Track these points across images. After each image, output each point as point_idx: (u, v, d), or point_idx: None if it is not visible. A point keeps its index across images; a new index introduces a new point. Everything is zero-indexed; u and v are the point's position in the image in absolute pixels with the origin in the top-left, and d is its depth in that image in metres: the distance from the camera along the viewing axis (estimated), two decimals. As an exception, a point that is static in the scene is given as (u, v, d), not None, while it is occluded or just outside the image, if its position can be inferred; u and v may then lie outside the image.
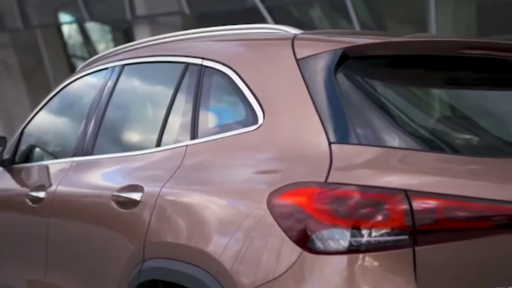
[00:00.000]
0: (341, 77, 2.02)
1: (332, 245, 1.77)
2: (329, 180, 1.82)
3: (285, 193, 1.86)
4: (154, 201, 2.23)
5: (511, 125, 2.29)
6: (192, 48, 2.54)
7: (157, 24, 10.81)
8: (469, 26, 9.86)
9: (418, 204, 1.77)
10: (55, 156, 3.23)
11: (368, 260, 1.76)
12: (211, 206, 2.08)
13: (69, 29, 13.03)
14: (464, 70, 2.25)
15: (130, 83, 2.84)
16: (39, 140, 3.36)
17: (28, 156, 3.27)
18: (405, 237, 1.75)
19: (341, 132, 1.91)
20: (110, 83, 2.83)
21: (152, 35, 10.42)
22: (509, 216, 1.84)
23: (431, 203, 1.79)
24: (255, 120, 2.10)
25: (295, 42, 2.16)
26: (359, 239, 1.76)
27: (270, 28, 2.41)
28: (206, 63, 2.38)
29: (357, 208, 1.78)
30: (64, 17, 13.11)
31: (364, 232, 1.77)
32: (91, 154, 2.76)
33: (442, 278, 1.77)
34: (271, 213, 1.87)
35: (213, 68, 2.34)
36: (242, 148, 2.11)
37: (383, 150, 1.91)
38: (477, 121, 2.26)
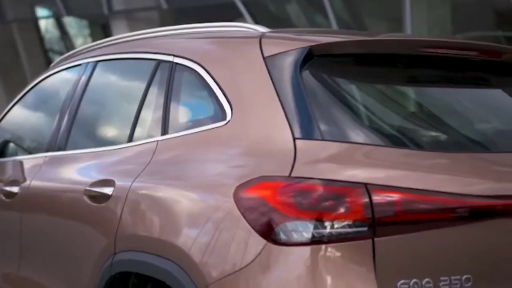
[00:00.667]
0: (306, 74, 2.09)
1: (296, 236, 1.84)
2: (293, 174, 1.88)
3: (251, 187, 1.93)
4: (125, 195, 2.28)
5: (472, 121, 2.38)
6: (164, 45, 2.59)
7: (134, 19, 10.80)
8: (444, 23, 10.00)
9: (378, 197, 1.84)
10: (29, 151, 3.26)
11: (330, 251, 1.83)
12: (180, 200, 2.14)
13: (46, 24, 12.96)
14: (427, 68, 2.33)
15: (103, 79, 2.88)
16: (13, 135, 3.39)
17: (2, 151, 3.30)
18: (365, 228, 1.82)
19: (306, 128, 1.98)
20: (83, 79, 2.87)
21: (130, 30, 10.42)
22: (466, 209, 1.92)
23: (390, 196, 1.86)
24: (223, 116, 2.16)
25: (263, 40, 2.22)
26: (321, 230, 1.83)
27: (239, 27, 2.47)
28: (177, 60, 2.43)
29: (320, 201, 1.85)
30: (40, 12, 13.03)
31: (326, 224, 1.83)
32: (64, 149, 2.80)
33: (400, 267, 1.84)
34: (238, 206, 1.93)
35: (183, 65, 2.40)
36: (210, 144, 2.17)
37: (346, 146, 1.98)
38: (440, 118, 2.33)
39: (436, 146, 2.14)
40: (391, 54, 2.25)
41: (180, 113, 2.40)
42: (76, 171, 2.68)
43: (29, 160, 3.03)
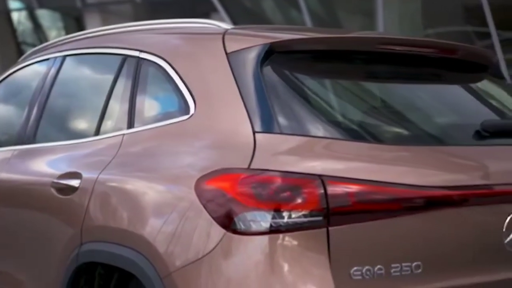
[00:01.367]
0: (267, 70, 2.16)
1: (254, 226, 1.92)
2: (252, 167, 1.96)
3: (212, 178, 2.00)
4: (92, 187, 2.34)
5: (430, 116, 2.46)
6: (130, 40, 2.65)
7: (108, 12, 10.78)
8: (415, 18, 10.14)
9: (332, 188, 1.92)
10: (-2, 144, 3.29)
11: (287, 240, 1.91)
12: (145, 192, 2.20)
13: (18, 16, 12.85)
14: (385, 64, 2.41)
15: (70, 74, 2.92)
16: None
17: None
18: (320, 218, 1.91)
19: (265, 122, 2.05)
20: (51, 74, 2.92)
21: (103, 23, 10.38)
22: (417, 199, 2.01)
23: (344, 188, 1.94)
24: (187, 110, 2.23)
25: (226, 36, 2.29)
26: (278, 220, 1.91)
27: (203, 23, 2.53)
28: (143, 55, 2.49)
29: (277, 192, 1.92)
30: (13, 4, 12.91)
31: (283, 214, 1.91)
32: (32, 142, 2.84)
33: (354, 254, 1.93)
34: (199, 197, 2.00)
35: (149, 60, 2.46)
36: (174, 137, 2.23)
37: (305, 139, 2.05)
38: (398, 113, 2.42)
39: (393, 140, 2.22)
40: (350, 51, 2.33)
41: (146, 107, 2.46)
42: (44, 164, 2.73)
43: (-3, 153, 3.06)
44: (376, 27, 9.53)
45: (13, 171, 2.84)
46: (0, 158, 3.00)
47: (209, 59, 2.28)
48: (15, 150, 2.90)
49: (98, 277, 2.37)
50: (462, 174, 2.14)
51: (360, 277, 1.92)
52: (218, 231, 1.95)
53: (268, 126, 2.04)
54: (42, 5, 11.62)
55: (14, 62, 3.57)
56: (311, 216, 1.91)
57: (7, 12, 12.73)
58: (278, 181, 1.93)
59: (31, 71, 3.16)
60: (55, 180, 2.51)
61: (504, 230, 2.13)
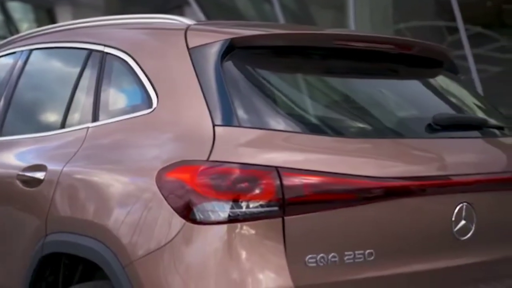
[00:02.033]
0: (228, 65, 2.22)
1: (213, 216, 1.98)
2: (211, 159, 2.02)
3: (172, 170, 2.06)
4: (56, 179, 2.39)
5: (386, 110, 2.54)
6: (95, 35, 2.69)
7: (79, 4, 10.72)
8: (386, 12, 10.26)
9: (288, 179, 2.00)
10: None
11: (244, 229, 1.98)
12: (108, 183, 2.25)
13: (-11, 8, 12.71)
14: (343, 60, 2.48)
15: (37, 68, 2.96)
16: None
17: None
18: (276, 208, 1.98)
19: (225, 115, 2.12)
20: (18, 67, 2.95)
21: (75, 15, 10.30)
22: (369, 189, 2.09)
23: (299, 179, 2.01)
24: (150, 104, 2.28)
25: (188, 32, 2.35)
26: (236, 210, 1.98)
27: (167, 18, 2.58)
28: (107, 50, 2.54)
29: (235, 183, 1.99)
30: (-16, -4, 12.77)
31: (241, 204, 1.98)
32: (-1, 135, 2.88)
33: (308, 243, 2.00)
34: (161, 188, 2.06)
35: (113, 54, 2.51)
36: (137, 130, 2.29)
37: (263, 132, 2.12)
38: (356, 107, 2.49)
39: (350, 133, 2.29)
40: (309, 47, 2.41)
41: (110, 101, 2.51)
42: (10, 156, 2.76)
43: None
44: (348, 21, 9.64)
45: (-20, 163, 2.87)
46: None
47: (172, 54, 2.34)
48: (-19, 143, 2.93)
49: (63, 268, 2.43)
50: (414, 165, 2.23)
51: (314, 264, 2.00)
52: (178, 221, 2.01)
53: (228, 119, 2.11)
54: (13, -3, 11.52)
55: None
56: (268, 206, 1.98)
57: (-23, 4, 12.59)
58: (236, 173, 2.00)
59: (-3, 65, 3.19)
60: (21, 173, 2.56)
61: (453, 219, 2.23)
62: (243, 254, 1.97)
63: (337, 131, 2.28)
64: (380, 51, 2.53)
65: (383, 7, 10.31)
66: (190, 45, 2.28)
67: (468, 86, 2.89)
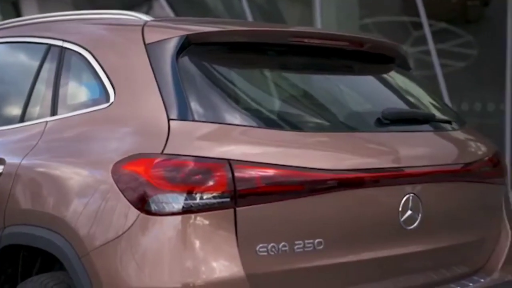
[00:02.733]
0: (183, 61, 2.28)
1: (167, 208, 2.04)
2: (166, 152, 2.08)
3: (128, 163, 2.11)
4: (14, 172, 2.42)
5: (339, 104, 2.62)
6: (55, 30, 2.72)
7: (46, -3, 10.63)
8: (352, 8, 10.38)
9: (240, 172, 2.07)
10: None
11: (198, 220, 2.05)
12: (66, 176, 2.29)
13: (-47, 0, 12.50)
14: (298, 56, 2.56)
15: (-4, 62, 2.98)
16: None
17: None
18: (228, 199, 2.05)
19: (180, 110, 2.17)
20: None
21: (40, 8, 10.19)
22: (319, 181, 2.16)
23: (251, 171, 2.08)
24: (107, 98, 2.33)
25: (145, 28, 2.40)
26: (190, 202, 2.04)
27: (125, 14, 2.62)
28: (66, 45, 2.58)
29: (188, 176, 2.05)
30: None
31: (194, 196, 2.04)
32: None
33: (259, 233, 2.07)
34: (116, 181, 2.11)
35: (72, 49, 2.55)
36: (95, 124, 2.34)
37: (217, 126, 2.18)
38: (310, 102, 2.57)
39: (303, 127, 2.34)
40: (264, 43, 2.47)
41: (69, 95, 2.55)
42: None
43: None
44: (314, 16, 9.73)
45: None
46: None
47: (129, 49, 2.38)
48: None
49: (22, 260, 2.46)
50: (363, 158, 2.32)
51: (265, 253, 2.08)
52: (133, 213, 2.06)
53: (183, 114, 2.17)
54: (-23, -11, 11.37)
55: None
56: (220, 197, 2.05)
57: None
58: (190, 165, 2.06)
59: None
60: (-20, 166, 2.58)
61: (400, 209, 2.33)
62: (197, 244, 2.03)
63: (291, 126, 2.34)
64: (335, 47, 2.61)
65: (349, 3, 10.43)
66: (147, 41, 2.33)
67: (419, 81, 2.99)
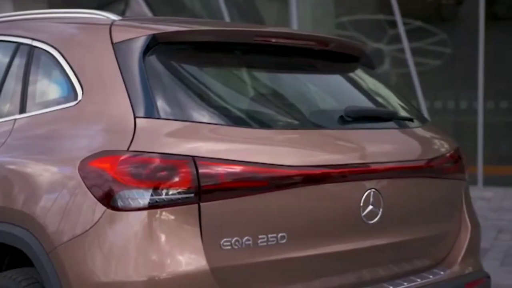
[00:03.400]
0: (150, 59, 2.32)
1: (133, 203, 2.09)
2: (131, 149, 2.13)
3: (94, 160, 2.15)
4: (-17, 169, 2.45)
5: (306, 102, 2.68)
6: (24, 29, 2.75)
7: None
8: (328, 6, 10.46)
9: (203, 168, 2.12)
10: None
11: (163, 215, 2.09)
12: (35, 173, 2.33)
13: None
14: (264, 55, 2.61)
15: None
16: None
17: None
18: (192, 195, 2.10)
19: (146, 108, 2.21)
20: None
21: (15, 6, 10.09)
22: (281, 177, 2.22)
23: (215, 168, 2.13)
24: (75, 96, 2.37)
25: (113, 27, 2.44)
26: (155, 197, 2.09)
27: (94, 13, 2.66)
28: (35, 43, 2.61)
29: (154, 172, 2.10)
30: None
31: (159, 192, 2.09)
32: None
33: (223, 227, 2.13)
34: (83, 177, 2.15)
35: (41, 48, 2.58)
36: (63, 122, 2.37)
37: (183, 124, 2.22)
38: (276, 100, 2.61)
39: (269, 125, 2.39)
40: (230, 43, 2.52)
41: (37, 94, 2.58)
42: None
43: None
44: (290, 14, 9.80)
45: None
46: None
47: (96, 48, 2.42)
48: None
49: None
50: (326, 155, 2.38)
51: (229, 247, 2.14)
52: (100, 209, 2.11)
53: (149, 111, 2.21)
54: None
55: None
56: (185, 193, 2.10)
57: None
58: (155, 162, 2.11)
59: None
60: (-51, 163, 2.60)
61: (361, 204, 2.40)
62: (162, 238, 2.08)
63: (258, 123, 2.39)
64: (301, 47, 2.66)
65: (325, 1, 10.52)
66: (114, 40, 2.37)
67: (384, 80, 3.06)
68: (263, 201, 2.20)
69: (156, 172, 2.10)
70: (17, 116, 2.54)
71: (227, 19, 9.84)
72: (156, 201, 2.09)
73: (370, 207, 2.42)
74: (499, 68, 9.09)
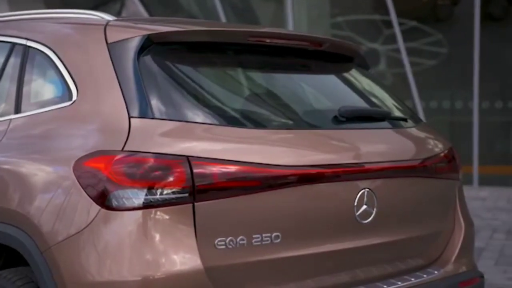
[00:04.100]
0: (145, 60, 2.33)
1: (127, 203, 2.10)
2: (126, 149, 2.14)
3: (89, 160, 2.16)
4: (-22, 169, 2.45)
5: (301, 102, 2.69)
6: (18, 29, 2.76)
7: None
8: (323, 6, 10.48)
9: (198, 168, 2.13)
10: None
11: (158, 214, 2.10)
12: (30, 173, 2.33)
13: None
14: (258, 55, 2.62)
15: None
16: None
17: None
18: (186, 195, 2.11)
19: (140, 108, 2.22)
20: None
21: (11, 6, 10.09)
22: (275, 177, 2.22)
23: (209, 167, 2.14)
24: (70, 96, 2.38)
25: (107, 27, 2.45)
26: (149, 197, 2.10)
27: (89, 14, 2.67)
28: (30, 43, 2.62)
29: (148, 172, 2.11)
30: None
31: (154, 191, 2.10)
32: None
33: (218, 227, 2.14)
34: (78, 177, 2.16)
35: (36, 48, 2.59)
36: (58, 121, 2.38)
37: (177, 124, 2.23)
38: (271, 100, 2.63)
39: (264, 124, 2.40)
40: (224, 43, 2.53)
41: (32, 94, 2.59)
42: None
43: None
44: (286, 15, 9.82)
45: None
46: None
47: (91, 48, 2.43)
48: None
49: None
50: (321, 154, 2.39)
51: (223, 247, 2.14)
52: (95, 208, 2.11)
53: (143, 112, 2.22)
54: None
55: None
56: (179, 193, 2.11)
57: None
58: (149, 162, 2.12)
59: None
60: None
61: (355, 204, 2.41)
62: (156, 238, 2.09)
63: (252, 123, 2.40)
64: (295, 47, 2.67)
65: (321, 1, 10.54)
66: (109, 40, 2.38)
67: (378, 80, 3.07)
68: (257, 201, 2.21)
69: (150, 172, 2.11)
70: (12, 116, 2.54)
71: (223, 19, 9.86)
72: (151, 201, 2.10)
73: (364, 206, 2.43)
74: (494, 68, 9.13)
